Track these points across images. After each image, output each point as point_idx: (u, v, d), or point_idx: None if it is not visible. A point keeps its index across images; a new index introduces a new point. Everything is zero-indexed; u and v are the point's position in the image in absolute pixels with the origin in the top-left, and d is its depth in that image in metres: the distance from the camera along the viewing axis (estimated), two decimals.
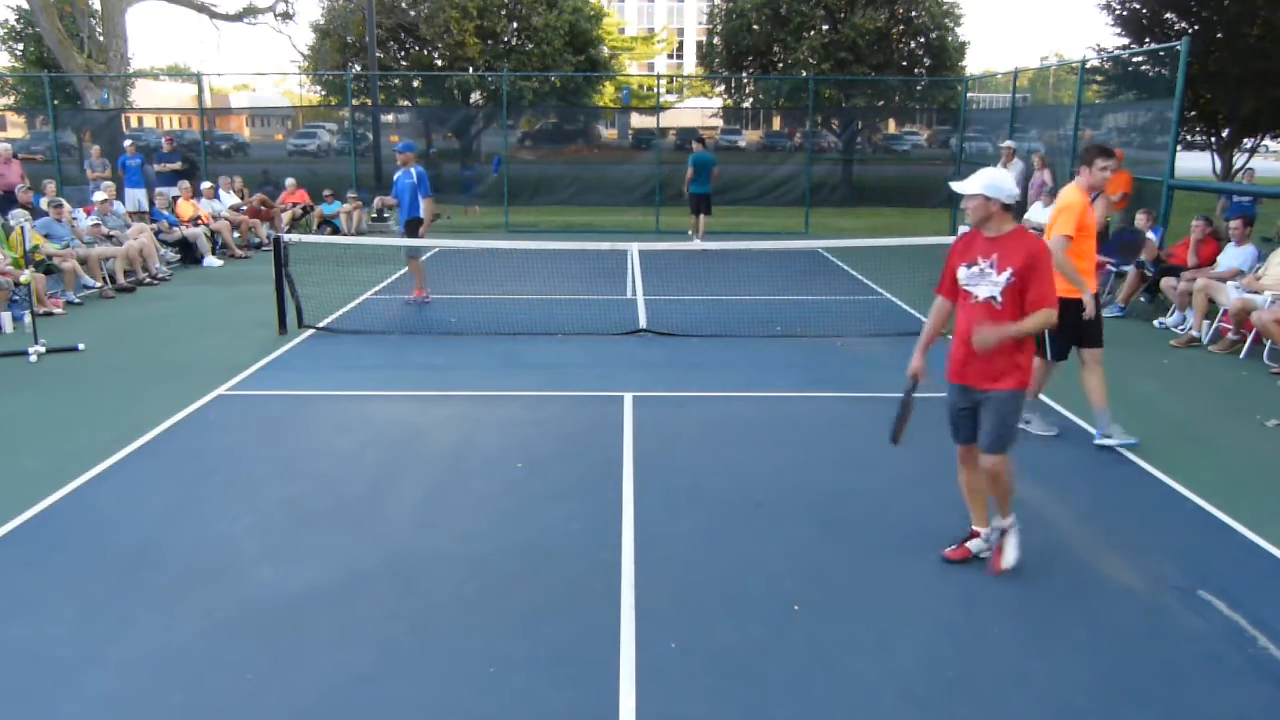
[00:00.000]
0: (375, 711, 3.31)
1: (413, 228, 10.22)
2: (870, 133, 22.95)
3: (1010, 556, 4.25)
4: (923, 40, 24.78)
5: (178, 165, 16.14)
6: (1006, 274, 3.91)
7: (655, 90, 23.82)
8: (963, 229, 4.13)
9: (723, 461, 5.71)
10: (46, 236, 10.73)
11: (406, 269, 10.48)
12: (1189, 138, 22.17)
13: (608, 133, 29.40)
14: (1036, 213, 12.88)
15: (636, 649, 3.68)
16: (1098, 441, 5.92)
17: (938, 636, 3.80)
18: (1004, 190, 3.95)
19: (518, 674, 3.53)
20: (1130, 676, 3.53)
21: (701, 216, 15.76)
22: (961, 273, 4.09)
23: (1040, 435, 6.13)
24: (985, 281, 3.99)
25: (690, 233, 16.18)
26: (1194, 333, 8.83)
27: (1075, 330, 5.76)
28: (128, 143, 16.12)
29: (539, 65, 25.22)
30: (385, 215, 17.81)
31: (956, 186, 4.04)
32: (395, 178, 10.46)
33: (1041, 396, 6.35)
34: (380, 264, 12.69)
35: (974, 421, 4.18)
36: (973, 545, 4.43)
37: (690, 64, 58.93)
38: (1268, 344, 8.11)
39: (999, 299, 3.95)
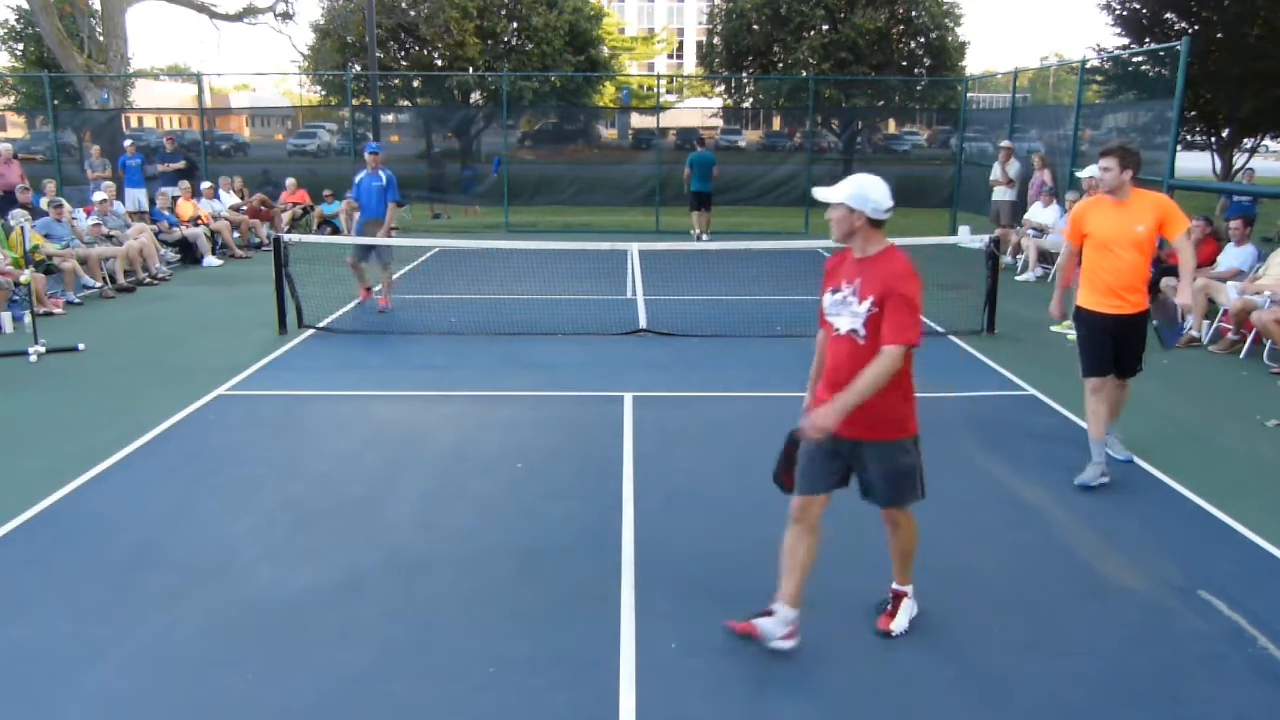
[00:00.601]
0: (375, 711, 3.31)
1: (372, 229, 9.90)
2: (870, 133, 22.95)
3: (902, 621, 3.79)
4: (923, 40, 24.81)
5: (180, 165, 16.16)
6: (867, 303, 3.34)
7: (655, 90, 23.82)
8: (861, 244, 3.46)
9: (723, 461, 5.71)
10: (46, 236, 10.73)
11: (383, 274, 10.07)
12: (1189, 138, 22.20)
13: (608, 133, 29.41)
14: (1036, 213, 12.91)
15: (636, 649, 3.68)
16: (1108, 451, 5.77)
17: (938, 636, 3.80)
18: (870, 201, 3.34)
19: (518, 674, 3.53)
20: (1130, 676, 3.53)
21: (704, 213, 15.93)
22: (826, 299, 3.52)
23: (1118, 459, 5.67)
24: (846, 311, 3.41)
25: (693, 232, 16.24)
26: (1194, 333, 8.82)
27: (1118, 347, 5.28)
28: (128, 143, 16.11)
29: (539, 65, 25.23)
30: None
31: (819, 193, 3.46)
32: (359, 180, 10.02)
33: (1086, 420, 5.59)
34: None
35: (831, 472, 3.56)
36: (763, 624, 3.56)
37: (690, 64, 58.93)
38: (1268, 344, 8.11)
39: (861, 333, 3.37)
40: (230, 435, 6.18)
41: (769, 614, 3.57)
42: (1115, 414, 5.69)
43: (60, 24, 19.35)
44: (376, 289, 10.25)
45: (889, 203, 3.39)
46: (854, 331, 3.39)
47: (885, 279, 3.32)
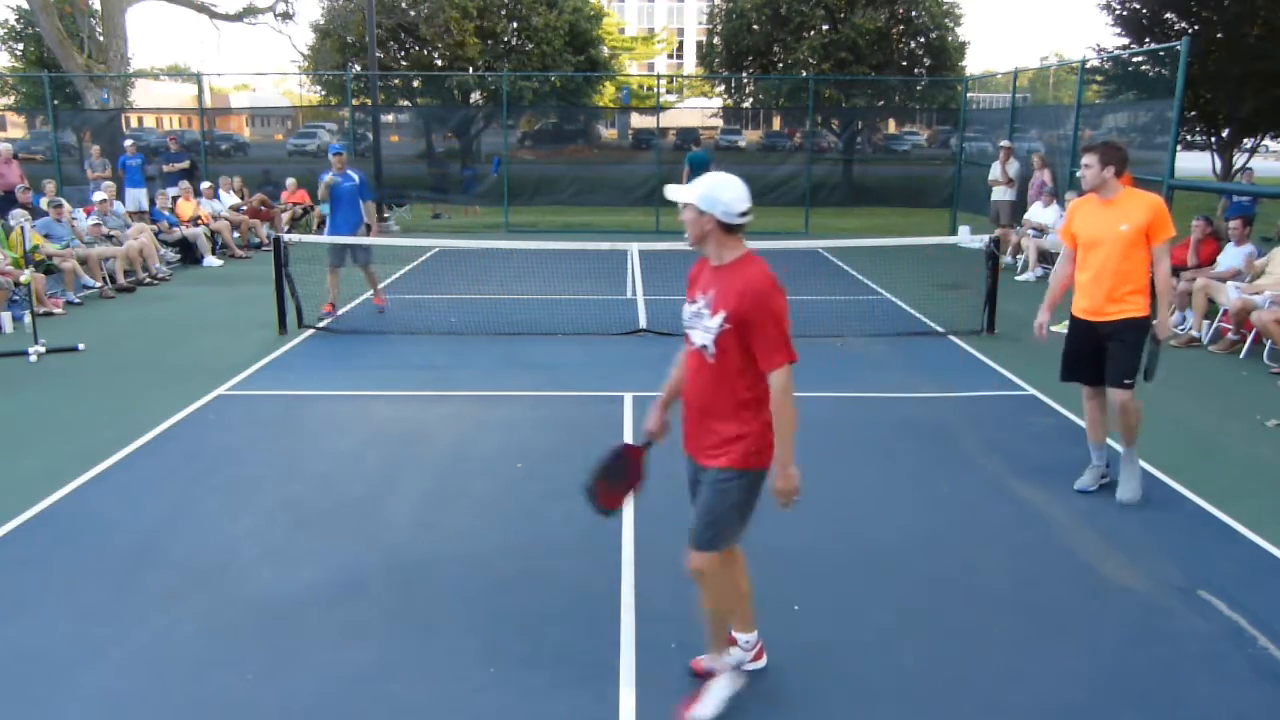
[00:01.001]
0: (375, 711, 3.31)
1: (363, 233, 9.68)
2: (870, 133, 22.96)
3: (707, 708, 3.23)
4: (923, 40, 24.80)
5: (185, 164, 16.18)
6: (719, 318, 3.01)
7: (655, 90, 23.83)
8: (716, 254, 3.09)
9: None
10: (46, 236, 10.73)
11: (365, 275, 9.90)
12: (1189, 138, 22.19)
13: (608, 133, 29.42)
14: (1037, 212, 12.92)
15: (636, 649, 3.68)
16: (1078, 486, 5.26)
17: (938, 636, 3.80)
18: (721, 204, 2.99)
19: (518, 674, 3.53)
20: (1130, 676, 3.53)
21: None
22: (685, 310, 3.19)
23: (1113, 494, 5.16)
24: (700, 325, 3.09)
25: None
26: (1194, 333, 8.83)
27: (1101, 354, 4.98)
28: (129, 142, 16.12)
29: (539, 65, 25.23)
30: (386, 216, 17.83)
31: (669, 191, 3.15)
32: (331, 182, 9.45)
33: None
34: (380, 264, 12.65)
35: None
36: (728, 656, 3.45)
37: (690, 64, 58.93)
38: (1268, 344, 8.11)
39: (711, 350, 3.06)
40: (230, 435, 6.18)
41: (732, 642, 3.47)
42: (1127, 438, 5.10)
43: (60, 24, 19.35)
44: (347, 308, 10.02)
45: (743, 206, 3.02)
46: (704, 348, 3.08)
47: (741, 295, 2.97)
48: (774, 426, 3.08)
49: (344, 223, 9.62)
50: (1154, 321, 4.95)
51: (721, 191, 3.00)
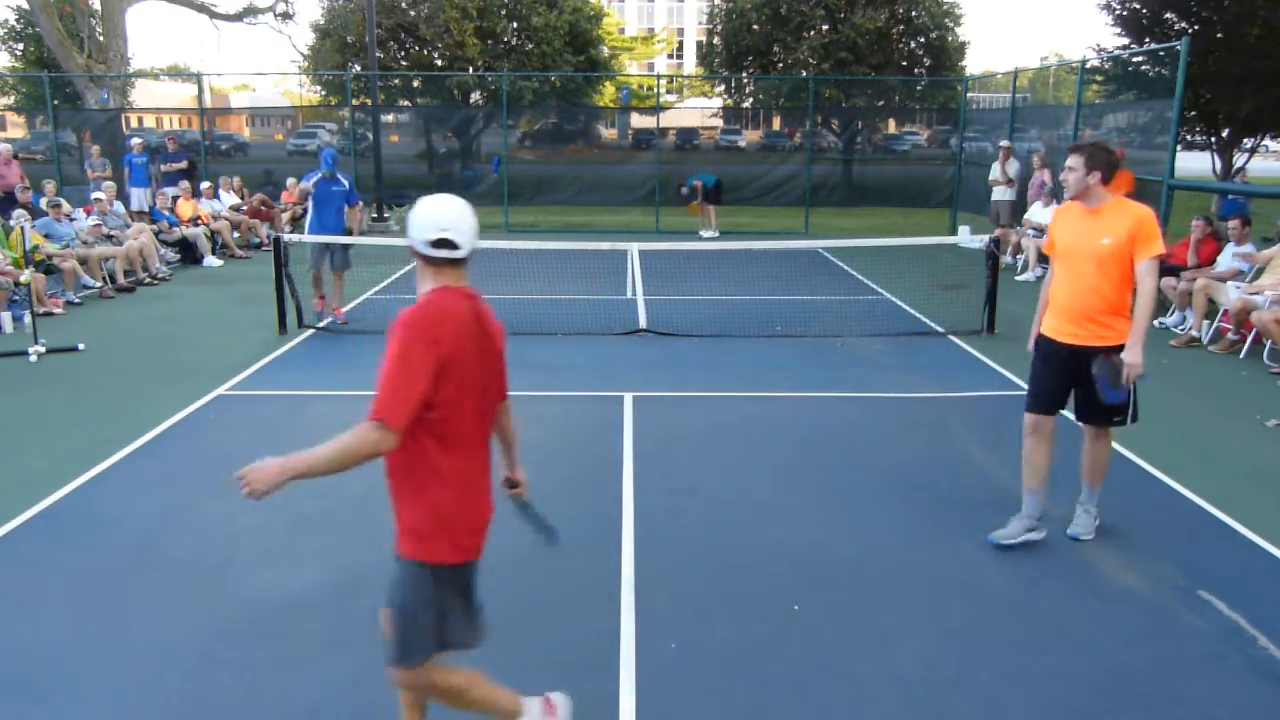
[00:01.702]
0: (375, 711, 3.31)
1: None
2: (870, 133, 22.96)
3: None
4: (923, 40, 24.80)
5: (184, 165, 16.18)
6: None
7: (655, 90, 23.83)
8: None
9: (723, 461, 5.70)
10: (46, 236, 10.74)
11: (333, 285, 9.49)
12: (1189, 138, 22.17)
13: (608, 133, 29.38)
14: (1037, 212, 12.91)
15: (636, 649, 3.68)
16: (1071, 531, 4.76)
17: (938, 636, 3.80)
18: (413, 227, 2.55)
19: (518, 674, 3.52)
20: (1130, 676, 3.53)
21: (712, 207, 16.60)
22: None
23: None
24: None
25: (704, 231, 16.47)
26: (1194, 333, 8.83)
27: (1077, 385, 4.43)
28: (135, 141, 16.11)
29: (539, 65, 25.22)
30: (386, 216, 17.83)
31: None
32: (314, 184, 9.22)
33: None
34: (380, 264, 12.69)
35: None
36: None
37: (690, 64, 58.93)
38: (1268, 344, 8.11)
39: None
40: (230, 435, 6.18)
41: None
42: (1092, 477, 4.70)
43: (60, 24, 19.34)
44: (347, 308, 9.87)
45: (433, 234, 2.53)
46: None
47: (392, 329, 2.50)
48: (319, 450, 2.50)
49: (326, 226, 9.38)
50: (1127, 350, 4.22)
51: (417, 214, 2.53)
